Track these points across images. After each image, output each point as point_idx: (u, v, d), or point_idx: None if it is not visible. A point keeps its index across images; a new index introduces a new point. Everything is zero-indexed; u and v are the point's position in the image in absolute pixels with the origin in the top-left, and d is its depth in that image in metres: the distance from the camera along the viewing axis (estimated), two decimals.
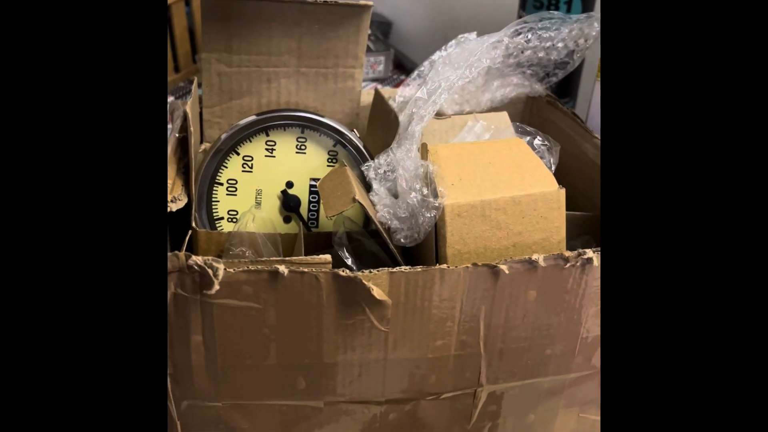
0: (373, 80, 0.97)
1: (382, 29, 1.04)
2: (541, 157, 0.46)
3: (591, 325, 0.43)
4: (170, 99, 0.93)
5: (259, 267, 0.37)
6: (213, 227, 0.50)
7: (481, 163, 0.43)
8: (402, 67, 1.02)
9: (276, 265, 0.37)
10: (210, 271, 0.36)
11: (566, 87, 0.75)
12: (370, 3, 0.53)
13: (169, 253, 0.36)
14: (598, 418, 0.48)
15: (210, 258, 0.36)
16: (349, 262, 0.43)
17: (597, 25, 0.52)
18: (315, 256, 0.37)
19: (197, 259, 0.36)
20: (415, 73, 0.58)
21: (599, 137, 0.53)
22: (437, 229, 0.42)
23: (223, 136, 0.50)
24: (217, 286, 0.36)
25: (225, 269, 0.36)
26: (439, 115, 0.54)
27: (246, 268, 0.36)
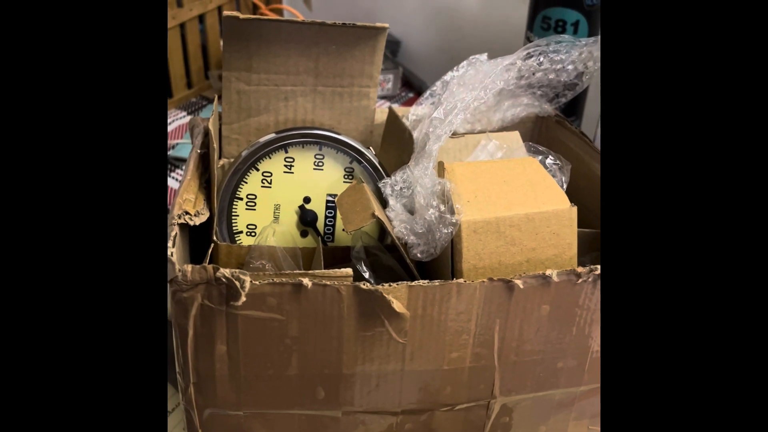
0: (382, 98, 0.99)
1: (391, 48, 1.06)
2: (553, 176, 0.47)
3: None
4: (182, 114, 0.95)
5: (284, 280, 0.38)
6: (232, 240, 0.51)
7: (496, 181, 0.44)
8: (410, 85, 1.04)
9: (300, 278, 0.38)
10: (237, 284, 0.37)
11: (572, 106, 0.77)
12: (386, 25, 0.55)
13: (197, 266, 0.37)
14: None
15: (237, 270, 0.37)
16: (366, 275, 0.44)
17: None
18: (337, 270, 0.39)
19: (225, 272, 0.37)
20: (428, 92, 0.59)
21: None
22: (453, 245, 0.43)
23: (244, 153, 0.51)
24: (243, 298, 0.37)
25: (251, 282, 0.37)
26: (452, 134, 0.55)
27: (271, 280, 0.38)
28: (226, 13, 0.51)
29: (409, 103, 0.99)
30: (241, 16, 0.51)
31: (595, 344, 0.44)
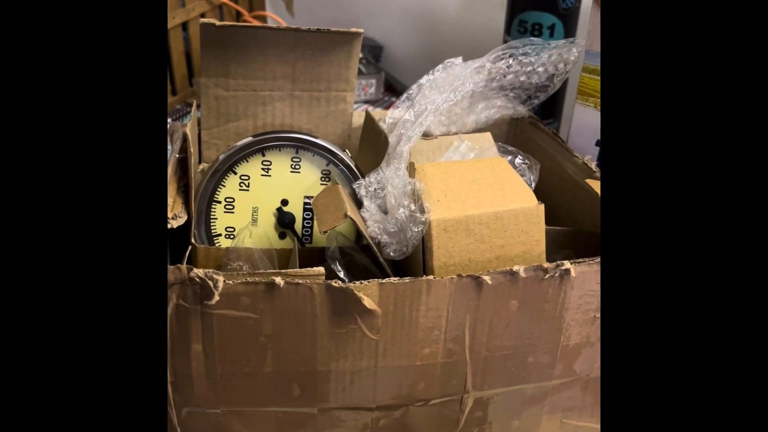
0: (365, 102, 1.00)
1: (374, 53, 1.07)
2: (522, 175, 0.48)
3: (571, 333, 0.45)
4: (168, 121, 0.96)
5: (257, 279, 0.39)
6: (211, 243, 0.52)
7: (465, 180, 0.45)
8: (393, 90, 1.05)
9: (272, 277, 0.39)
10: (210, 283, 0.38)
11: (551, 108, 0.78)
12: (361, 30, 0.56)
13: (171, 266, 0.38)
14: (581, 423, 0.50)
15: (210, 270, 0.38)
16: (341, 275, 0.45)
17: (575, 51, 0.55)
18: (309, 269, 0.40)
19: (198, 272, 0.38)
20: (404, 95, 0.60)
21: (579, 156, 0.56)
22: (424, 243, 0.44)
23: (221, 157, 0.52)
24: (217, 297, 0.38)
25: (224, 281, 0.38)
26: (426, 135, 0.57)
27: (244, 280, 0.39)
28: (202, 20, 0.53)
29: (391, 107, 1.00)
30: (218, 23, 0.52)
31: (565, 338, 0.45)
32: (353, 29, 0.56)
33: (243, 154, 0.52)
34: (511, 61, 0.51)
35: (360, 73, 0.97)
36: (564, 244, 0.52)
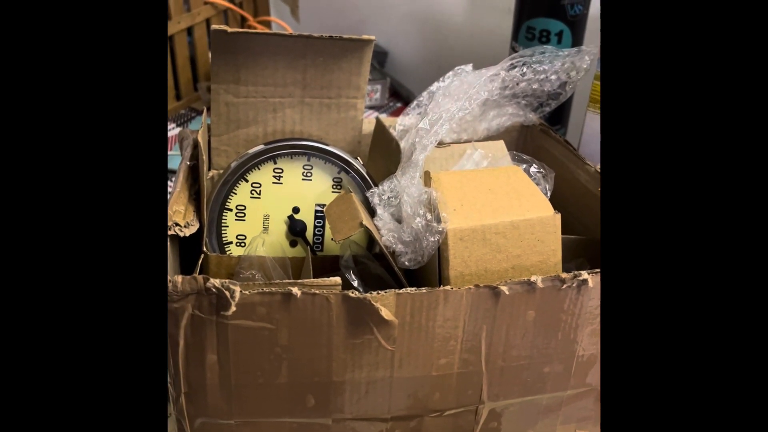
0: (370, 108, 1.00)
1: (378, 58, 1.07)
2: (537, 184, 0.48)
3: (587, 344, 0.45)
4: (172, 125, 0.95)
5: (273, 289, 0.38)
6: (222, 251, 0.52)
7: (481, 189, 0.45)
8: (397, 95, 1.05)
9: (289, 288, 0.38)
10: (227, 293, 0.38)
11: (557, 115, 0.78)
12: (372, 37, 0.56)
13: (187, 276, 0.38)
14: None
15: (227, 281, 0.38)
16: (355, 284, 0.45)
17: (588, 59, 0.55)
18: (326, 279, 0.39)
19: (215, 282, 0.38)
20: (414, 102, 0.60)
21: (591, 164, 0.56)
22: (440, 252, 0.44)
23: (233, 164, 0.52)
24: (234, 308, 0.38)
25: (241, 291, 0.38)
26: (438, 143, 0.56)
27: (260, 290, 0.38)
28: (214, 26, 0.52)
29: (397, 113, 1.00)
30: (229, 29, 0.52)
31: (581, 349, 0.45)
32: (365, 36, 0.56)
33: (255, 162, 0.52)
34: (525, 69, 0.51)
35: None
36: (577, 252, 0.52)
